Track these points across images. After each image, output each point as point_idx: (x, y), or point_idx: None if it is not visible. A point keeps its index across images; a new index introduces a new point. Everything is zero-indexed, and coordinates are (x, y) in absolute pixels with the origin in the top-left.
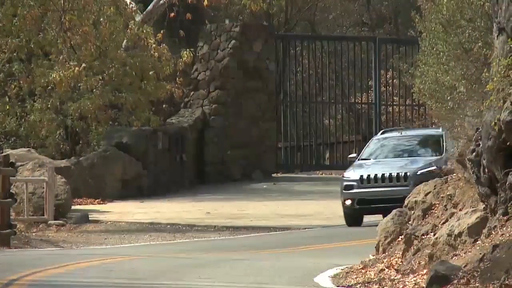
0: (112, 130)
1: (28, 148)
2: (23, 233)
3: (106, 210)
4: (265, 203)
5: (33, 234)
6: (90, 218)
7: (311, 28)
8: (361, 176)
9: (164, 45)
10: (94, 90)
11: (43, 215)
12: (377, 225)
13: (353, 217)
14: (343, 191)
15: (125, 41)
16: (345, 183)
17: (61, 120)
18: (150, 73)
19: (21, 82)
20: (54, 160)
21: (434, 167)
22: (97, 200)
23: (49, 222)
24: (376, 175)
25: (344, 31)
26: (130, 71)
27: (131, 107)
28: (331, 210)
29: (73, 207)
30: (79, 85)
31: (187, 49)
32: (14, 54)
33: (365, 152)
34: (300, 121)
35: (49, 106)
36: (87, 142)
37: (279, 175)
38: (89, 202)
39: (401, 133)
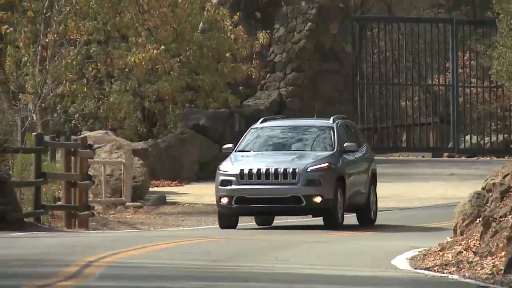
0: (189, 112)
1: (106, 130)
2: (100, 215)
3: (183, 192)
4: None
5: (111, 216)
6: (167, 200)
7: (387, 10)
8: (241, 170)
9: (240, 27)
10: (172, 72)
11: (121, 197)
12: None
13: (229, 218)
14: (219, 187)
15: (201, 23)
16: (222, 177)
17: (138, 102)
18: (227, 55)
19: (99, 64)
20: (131, 142)
21: (327, 164)
22: (174, 182)
23: (126, 204)
24: (259, 170)
25: (420, 13)
26: (207, 53)
27: (208, 89)
28: (409, 192)
29: (150, 189)
30: (156, 67)
31: (263, 31)
32: (92, 36)
33: (243, 143)
34: (376, 103)
35: (127, 88)
36: (164, 124)
37: None
38: (166, 184)
39: (284, 123)
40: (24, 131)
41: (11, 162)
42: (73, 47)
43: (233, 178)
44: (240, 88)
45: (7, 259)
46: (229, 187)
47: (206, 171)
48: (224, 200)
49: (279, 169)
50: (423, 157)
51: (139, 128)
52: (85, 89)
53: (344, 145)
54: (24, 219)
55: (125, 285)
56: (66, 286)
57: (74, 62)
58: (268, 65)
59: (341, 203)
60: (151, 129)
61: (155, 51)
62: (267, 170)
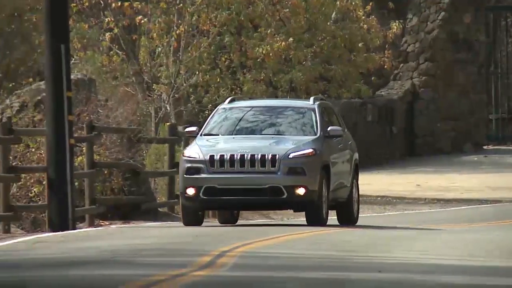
0: None
1: None
2: None
3: None
4: (476, 175)
5: None
6: None
7: None
8: (212, 156)
9: (373, 17)
10: (304, 62)
11: None
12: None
13: (195, 212)
14: (184, 175)
15: (334, 13)
16: (187, 164)
17: (271, 92)
18: (359, 45)
19: (232, 54)
20: None
21: (311, 150)
22: None
23: None
24: (232, 156)
25: None
26: (340, 43)
27: (341, 79)
28: None
29: None
30: (290, 56)
31: (396, 21)
32: (225, 27)
33: (209, 125)
34: (511, 92)
35: (262, 77)
36: None
37: (490, 147)
38: None
39: (258, 103)
40: (158, 122)
41: (145, 152)
42: (206, 37)
43: (202, 166)
44: (373, 78)
45: (141, 249)
46: (196, 176)
47: None
48: (190, 191)
49: (256, 155)
50: None
51: None
52: (218, 79)
53: (328, 129)
54: (158, 209)
55: (257, 275)
56: (199, 276)
57: (207, 53)
58: (401, 55)
59: (325, 196)
60: None
61: (283, 42)
62: (242, 156)
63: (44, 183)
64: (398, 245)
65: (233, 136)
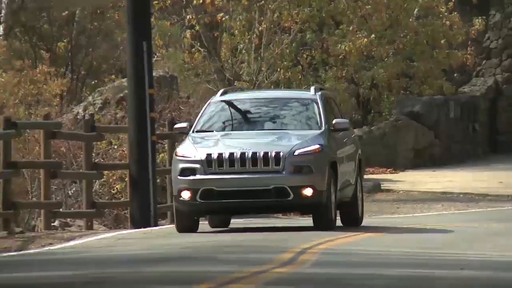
0: (403, 98)
1: None
2: None
3: (398, 180)
4: None
5: None
6: (382, 187)
7: None
8: (209, 155)
9: (455, 13)
10: (386, 59)
11: None
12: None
13: (189, 218)
14: (178, 177)
15: (416, 9)
16: (182, 165)
17: (353, 89)
18: (442, 41)
19: (314, 51)
20: None
21: (317, 146)
22: (388, 169)
23: None
24: (232, 154)
25: None
26: (422, 39)
27: (423, 75)
28: None
29: (365, 176)
30: (372, 53)
31: (479, 17)
32: (306, 24)
33: (202, 120)
34: None
35: (343, 74)
36: (378, 111)
37: None
38: (380, 171)
39: (254, 95)
40: None
41: None
42: (287, 34)
43: (198, 166)
44: (455, 74)
45: (220, 245)
46: (192, 178)
47: (420, 158)
48: (185, 195)
49: (258, 153)
50: None
51: (353, 115)
52: (300, 76)
53: (334, 122)
54: None
55: (338, 272)
56: (282, 273)
57: (288, 50)
58: (484, 51)
59: (333, 196)
60: (365, 116)
61: (365, 39)
62: (243, 154)
63: (126, 180)
64: (481, 241)
65: (230, 132)
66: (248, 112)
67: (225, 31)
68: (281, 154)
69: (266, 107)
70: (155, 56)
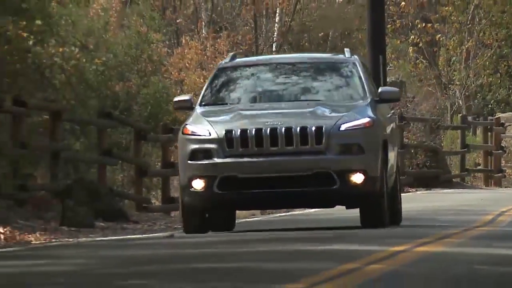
0: None
1: None
2: (511, 176)
3: None
4: None
5: None
6: None
7: None
8: (229, 132)
9: None
10: None
11: None
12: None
13: (202, 214)
14: (188, 161)
15: None
16: (193, 146)
17: None
18: None
19: (510, 62)
20: None
21: (367, 119)
22: None
23: None
24: (260, 131)
25: None
26: None
27: None
28: None
29: None
30: None
31: None
32: (503, 42)
33: (211, 90)
34: None
35: None
36: None
37: None
38: None
39: (275, 59)
40: (452, 113)
41: (442, 137)
42: (489, 49)
43: (214, 146)
44: None
45: (439, 209)
46: (206, 162)
47: None
48: (198, 184)
49: (293, 129)
50: None
51: None
52: (498, 81)
53: (380, 90)
54: (452, 179)
55: None
56: (483, 231)
57: (489, 61)
58: None
59: (385, 186)
60: None
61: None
62: (273, 130)
63: None
64: None
65: (251, 103)
66: (270, 79)
67: (441, 46)
68: (323, 129)
69: (293, 73)
70: (389, 67)
